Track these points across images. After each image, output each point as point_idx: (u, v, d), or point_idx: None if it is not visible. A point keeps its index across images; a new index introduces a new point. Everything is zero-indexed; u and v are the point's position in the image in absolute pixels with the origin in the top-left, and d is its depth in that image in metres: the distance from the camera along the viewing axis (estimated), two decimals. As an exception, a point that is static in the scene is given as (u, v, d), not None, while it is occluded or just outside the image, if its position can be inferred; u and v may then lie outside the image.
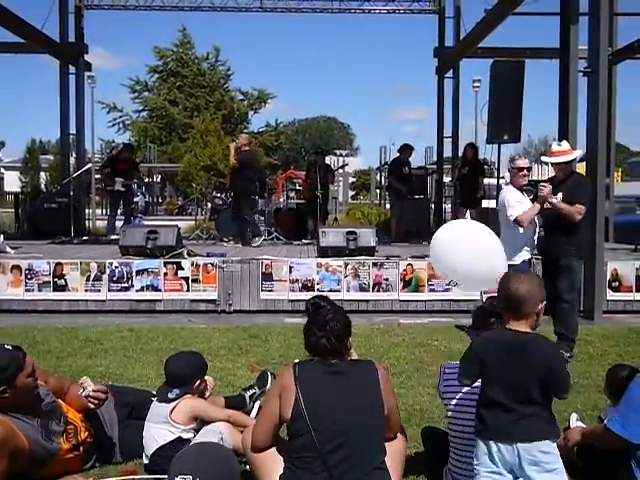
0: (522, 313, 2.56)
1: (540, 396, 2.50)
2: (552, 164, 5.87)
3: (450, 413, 2.99)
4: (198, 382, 3.45)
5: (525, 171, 5.86)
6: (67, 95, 14.61)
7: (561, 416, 3.87)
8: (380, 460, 2.70)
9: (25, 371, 2.95)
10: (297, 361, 2.82)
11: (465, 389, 2.95)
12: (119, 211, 12.51)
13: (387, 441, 2.81)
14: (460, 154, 12.97)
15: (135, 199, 18.66)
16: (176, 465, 2.81)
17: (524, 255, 5.75)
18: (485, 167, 13.62)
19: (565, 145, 5.94)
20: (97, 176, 20.27)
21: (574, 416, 3.73)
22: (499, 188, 11.41)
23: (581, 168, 8.40)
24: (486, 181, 12.49)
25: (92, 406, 3.25)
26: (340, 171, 21.36)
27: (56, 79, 14.65)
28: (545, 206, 5.55)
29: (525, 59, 9.46)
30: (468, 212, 10.20)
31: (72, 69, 14.77)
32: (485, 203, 11.41)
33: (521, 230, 5.70)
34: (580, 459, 3.06)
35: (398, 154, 12.32)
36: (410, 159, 12.22)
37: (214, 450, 2.98)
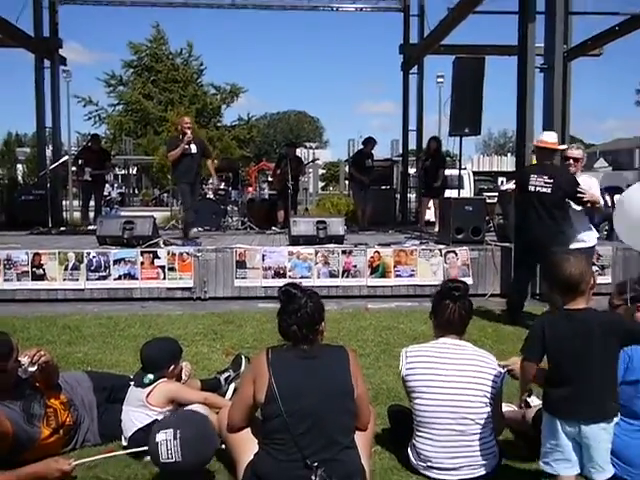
0: (579, 292, 2.60)
1: (604, 370, 2.52)
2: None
3: (414, 394, 3.02)
4: (173, 366, 3.44)
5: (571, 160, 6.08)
6: (42, 89, 14.31)
7: (517, 392, 3.97)
8: (349, 439, 2.72)
9: (14, 356, 2.93)
10: (270, 346, 2.83)
11: (426, 372, 2.99)
12: (91, 201, 12.29)
13: (358, 430, 2.80)
14: (424, 146, 13.04)
15: (105, 192, 18.30)
16: (157, 425, 2.86)
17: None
18: (447, 159, 13.75)
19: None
20: (73, 168, 19.95)
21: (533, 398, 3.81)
22: (461, 179, 11.57)
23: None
24: (448, 172, 12.58)
25: (43, 359, 3.03)
26: (310, 163, 21.32)
27: (31, 73, 14.35)
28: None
29: (485, 56, 9.54)
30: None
31: (47, 63, 14.45)
32: (447, 193, 11.49)
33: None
34: (535, 429, 3.13)
35: (362, 146, 12.34)
36: (374, 151, 12.13)
37: (192, 414, 3.04)
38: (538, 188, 6.05)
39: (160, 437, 2.72)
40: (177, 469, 2.74)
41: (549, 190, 5.97)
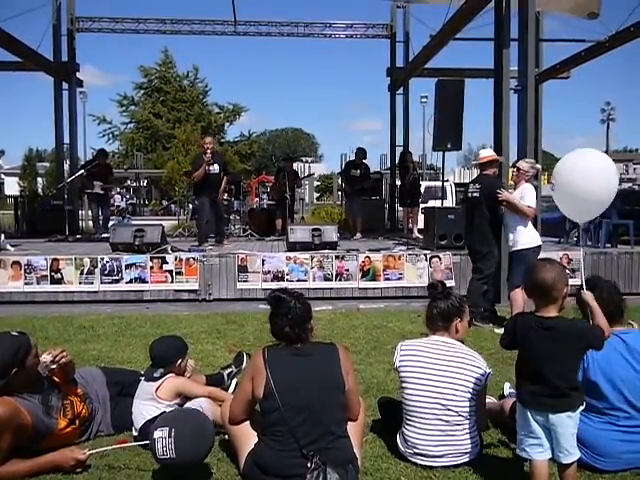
0: (550, 299, 2.51)
1: (566, 371, 2.48)
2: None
3: (404, 384, 3.01)
4: (180, 361, 3.42)
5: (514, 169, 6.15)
6: (61, 109, 14.31)
7: (496, 385, 3.96)
8: (342, 430, 2.70)
9: (32, 352, 2.91)
10: (266, 345, 2.80)
11: (417, 366, 2.99)
12: (99, 211, 12.20)
13: (350, 421, 2.78)
14: (398, 161, 13.07)
15: (117, 202, 18.23)
16: (157, 422, 2.81)
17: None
18: (431, 171, 13.79)
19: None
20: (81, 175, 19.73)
21: (507, 385, 3.81)
22: (444, 189, 11.61)
23: (511, 171, 8.54)
24: (432, 183, 12.64)
25: (64, 360, 3.07)
26: (306, 178, 21.36)
27: (51, 94, 14.34)
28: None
29: (465, 78, 9.58)
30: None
31: (65, 85, 14.46)
32: (432, 202, 11.55)
33: None
34: (512, 419, 3.11)
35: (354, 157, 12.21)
36: (365, 161, 11.71)
37: (191, 412, 2.98)
38: (472, 193, 6.34)
39: (157, 434, 2.69)
40: (171, 464, 2.70)
41: (477, 194, 6.24)
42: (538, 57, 12.43)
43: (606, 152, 36.97)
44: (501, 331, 2.79)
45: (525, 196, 5.83)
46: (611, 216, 8.93)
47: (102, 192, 11.63)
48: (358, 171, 11.48)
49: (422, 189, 12.70)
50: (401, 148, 15.43)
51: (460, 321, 3.10)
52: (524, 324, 2.59)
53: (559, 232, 9.73)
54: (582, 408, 2.53)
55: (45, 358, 3.01)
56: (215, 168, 9.04)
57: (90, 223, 16.12)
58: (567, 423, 2.46)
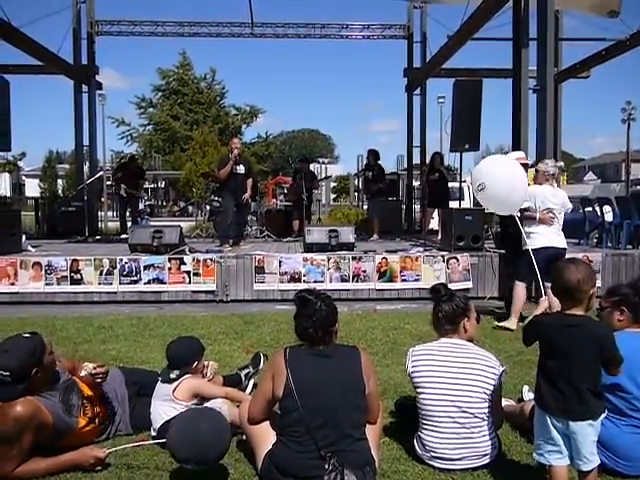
0: (576, 300, 2.49)
1: (589, 372, 2.43)
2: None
3: (419, 389, 3.00)
4: (196, 362, 3.44)
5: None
6: (81, 111, 14.52)
7: (515, 388, 3.93)
8: (361, 432, 2.70)
9: (47, 350, 2.95)
10: (288, 346, 2.80)
11: (430, 370, 2.97)
12: (127, 213, 12.60)
13: (368, 424, 2.77)
14: (428, 161, 12.98)
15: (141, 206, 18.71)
16: (172, 424, 2.84)
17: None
18: (449, 172, 13.71)
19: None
20: (108, 182, 20.23)
21: (526, 388, 3.78)
22: (461, 191, 11.53)
23: (531, 173, 8.47)
24: (449, 184, 12.53)
25: (99, 380, 3.20)
26: (324, 180, 21.37)
27: (71, 97, 14.54)
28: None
29: (483, 78, 9.53)
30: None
31: (85, 88, 14.66)
32: (449, 204, 11.47)
33: None
34: (532, 422, 3.08)
35: None
36: (380, 163, 11.64)
37: (204, 410, 2.99)
38: None
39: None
40: (192, 464, 2.69)
41: None
42: (557, 56, 12.36)
43: (627, 152, 36.37)
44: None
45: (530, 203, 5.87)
46: (632, 217, 8.80)
47: (125, 195, 11.98)
48: (370, 173, 11.50)
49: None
50: (418, 148, 15.40)
51: (467, 320, 3.08)
52: (548, 323, 2.56)
53: (579, 234, 9.61)
54: (603, 416, 2.49)
55: (87, 366, 3.17)
56: (241, 168, 9.20)
57: (110, 224, 16.38)
58: (588, 431, 2.42)
